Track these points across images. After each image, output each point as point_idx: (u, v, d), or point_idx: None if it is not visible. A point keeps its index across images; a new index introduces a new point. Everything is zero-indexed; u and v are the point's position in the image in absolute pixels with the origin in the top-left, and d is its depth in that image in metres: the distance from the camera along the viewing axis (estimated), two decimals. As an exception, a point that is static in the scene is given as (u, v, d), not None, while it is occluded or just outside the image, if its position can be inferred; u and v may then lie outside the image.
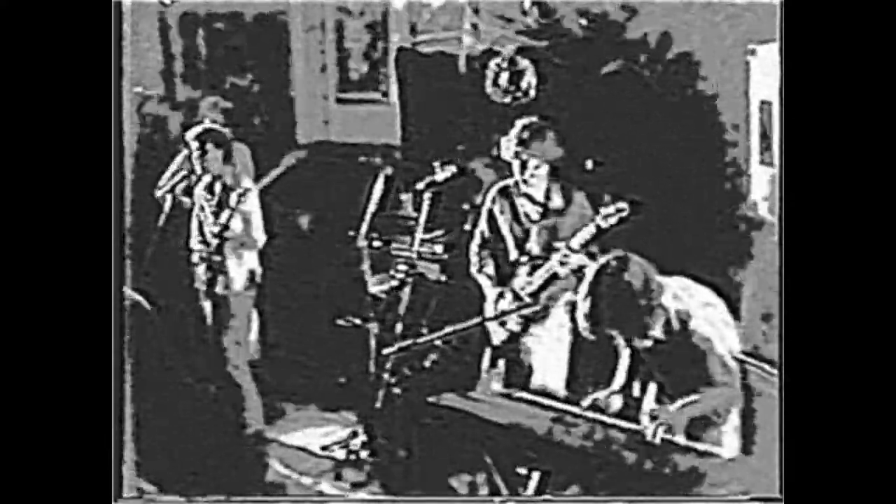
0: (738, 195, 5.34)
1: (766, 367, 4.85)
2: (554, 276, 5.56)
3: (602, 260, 4.81)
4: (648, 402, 4.91)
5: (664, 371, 4.88)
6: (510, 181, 5.66)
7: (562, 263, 5.50)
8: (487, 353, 5.69)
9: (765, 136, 5.23)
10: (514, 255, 5.67)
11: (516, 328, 5.66)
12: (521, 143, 5.54)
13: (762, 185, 5.25)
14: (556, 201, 5.60)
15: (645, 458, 4.70)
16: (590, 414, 4.96)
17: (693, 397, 4.81)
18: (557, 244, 5.55)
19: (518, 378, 5.60)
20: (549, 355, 5.57)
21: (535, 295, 5.59)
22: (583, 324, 4.76)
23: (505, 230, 5.69)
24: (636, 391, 4.98)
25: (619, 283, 4.71)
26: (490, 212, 5.71)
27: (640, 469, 4.66)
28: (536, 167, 5.55)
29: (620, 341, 4.85)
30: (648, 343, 4.79)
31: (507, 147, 5.57)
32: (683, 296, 4.82)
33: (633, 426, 4.87)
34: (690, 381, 4.81)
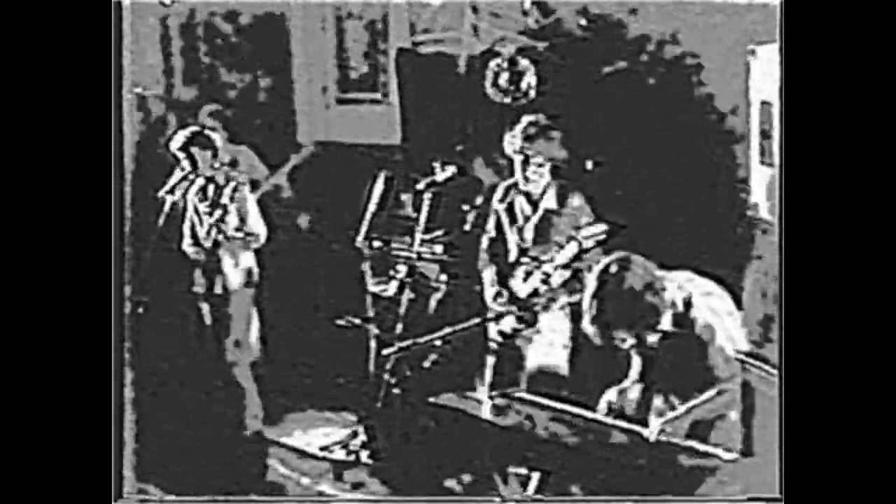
0: (738, 196, 5.34)
1: (766, 367, 4.85)
2: (535, 293, 5.56)
3: (603, 262, 4.81)
4: (656, 404, 4.91)
5: (671, 369, 4.88)
6: (513, 180, 5.65)
7: (543, 282, 5.51)
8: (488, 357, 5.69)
9: (765, 136, 5.23)
10: (514, 255, 5.67)
11: (508, 330, 5.65)
12: (527, 139, 5.52)
13: (762, 185, 5.25)
14: (550, 201, 5.58)
15: (645, 459, 4.70)
16: (609, 420, 4.95)
17: (697, 401, 4.81)
18: (546, 253, 5.54)
19: (512, 380, 5.60)
20: (545, 358, 5.56)
21: (527, 300, 5.59)
22: (589, 328, 4.77)
23: (506, 229, 5.68)
24: (647, 392, 4.98)
25: (623, 284, 4.73)
26: (496, 212, 5.70)
27: (641, 469, 4.66)
28: (539, 165, 5.54)
29: (630, 340, 4.85)
30: (656, 337, 4.81)
31: (511, 142, 5.55)
32: (687, 286, 4.86)
33: (633, 426, 4.88)
34: (695, 379, 4.82)
